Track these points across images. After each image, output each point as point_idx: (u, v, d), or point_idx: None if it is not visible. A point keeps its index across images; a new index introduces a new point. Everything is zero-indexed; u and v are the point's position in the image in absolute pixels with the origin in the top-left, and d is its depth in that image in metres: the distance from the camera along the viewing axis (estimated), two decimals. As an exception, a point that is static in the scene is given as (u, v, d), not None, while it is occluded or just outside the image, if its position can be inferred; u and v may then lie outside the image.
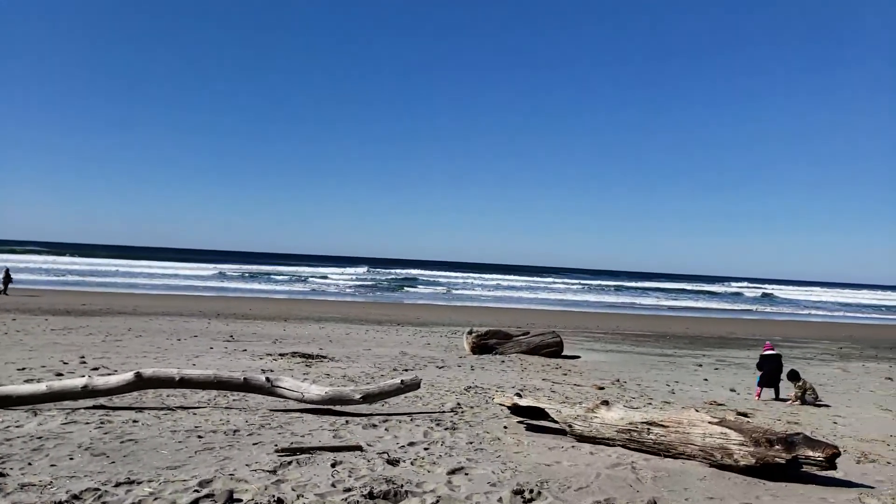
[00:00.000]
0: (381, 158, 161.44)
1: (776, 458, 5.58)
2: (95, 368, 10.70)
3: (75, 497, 4.45)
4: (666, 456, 6.34)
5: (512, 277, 75.01)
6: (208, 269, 62.77)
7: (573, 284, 70.91)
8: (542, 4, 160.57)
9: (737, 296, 70.77)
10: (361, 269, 74.94)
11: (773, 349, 12.24)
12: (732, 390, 12.62)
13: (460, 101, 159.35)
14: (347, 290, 50.15)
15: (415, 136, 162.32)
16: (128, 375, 7.65)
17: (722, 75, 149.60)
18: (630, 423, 6.69)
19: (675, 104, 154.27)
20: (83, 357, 11.94)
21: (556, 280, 76.47)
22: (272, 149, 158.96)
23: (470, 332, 16.79)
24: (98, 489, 4.62)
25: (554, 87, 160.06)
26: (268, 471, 5.28)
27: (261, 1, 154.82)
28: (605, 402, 7.18)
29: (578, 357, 17.07)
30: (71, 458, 5.41)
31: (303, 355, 13.70)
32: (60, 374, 9.84)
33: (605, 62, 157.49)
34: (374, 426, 7.28)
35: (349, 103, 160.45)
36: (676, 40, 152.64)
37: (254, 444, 6.20)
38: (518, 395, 8.45)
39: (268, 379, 8.04)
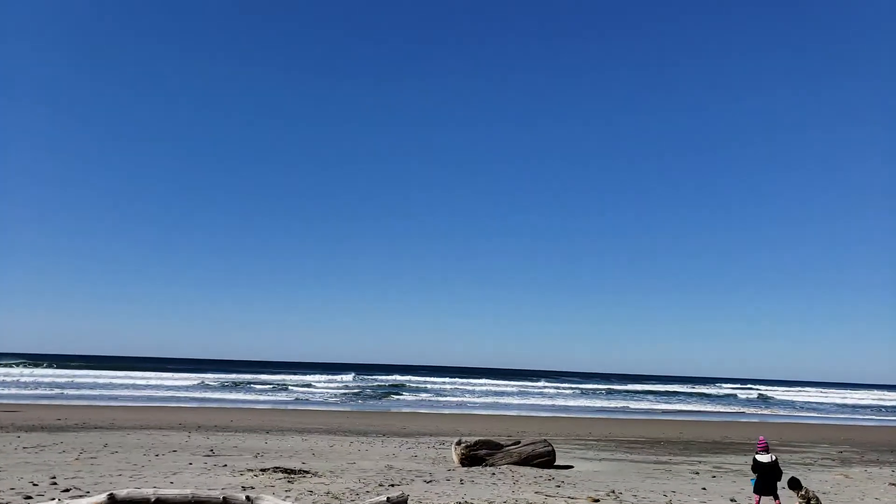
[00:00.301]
0: (367, 257, 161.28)
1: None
2: (66, 490, 10.19)
3: None
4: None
5: (502, 382, 73.67)
6: (190, 378, 61.15)
7: (564, 388, 69.67)
8: (530, 99, 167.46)
9: (731, 397, 69.69)
10: (348, 377, 73.35)
11: (766, 447, 11.55)
12: (732, 500, 12.20)
13: (449, 201, 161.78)
14: (331, 399, 48.84)
15: (402, 238, 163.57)
16: (100, 498, 7.31)
17: (713, 172, 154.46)
18: (626, 540, 6.43)
19: (665, 204, 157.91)
20: (54, 477, 11.39)
21: (547, 384, 75.15)
22: (253, 255, 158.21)
23: (458, 443, 16.29)
24: None
25: (542, 184, 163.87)
26: None
27: (253, 89, 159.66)
28: (600, 517, 6.93)
29: (572, 467, 16.52)
30: None
31: (285, 470, 13.15)
32: (29, 497, 9.36)
33: (596, 157, 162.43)
34: (359, 549, 6.92)
35: (332, 200, 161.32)
36: (665, 138, 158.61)
37: (231, 571, 5.85)
38: (509, 510, 8.14)
39: (248, 497, 7.70)
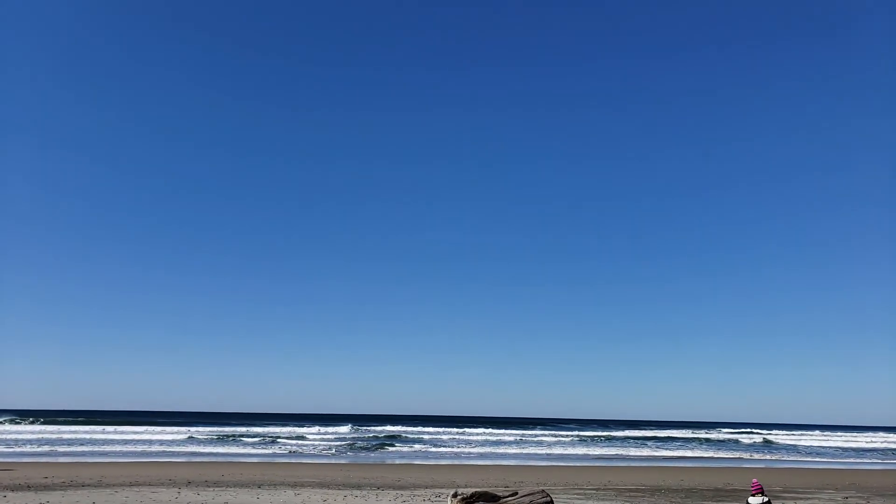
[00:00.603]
0: (364, 304, 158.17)
1: None
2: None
3: None
4: None
5: (499, 431, 72.38)
6: (179, 432, 59.93)
7: (562, 436, 68.48)
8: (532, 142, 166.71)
9: (732, 442, 68.65)
10: (343, 428, 71.98)
11: (761, 490, 11.32)
12: (734, 550, 11.92)
13: (444, 248, 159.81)
14: (325, 452, 47.82)
15: (399, 283, 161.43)
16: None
17: (708, 215, 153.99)
18: None
19: (661, 246, 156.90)
20: (37, 538, 11.06)
21: (545, 432, 73.95)
22: (245, 302, 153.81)
23: (455, 495, 15.93)
24: None
25: (535, 230, 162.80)
26: None
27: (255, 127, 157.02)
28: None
29: (570, 518, 16.15)
30: None
31: (276, 527, 12.82)
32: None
33: (588, 199, 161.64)
34: None
35: (328, 246, 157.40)
36: (662, 179, 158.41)
37: None
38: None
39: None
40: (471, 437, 64.02)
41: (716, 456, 51.23)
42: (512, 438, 63.84)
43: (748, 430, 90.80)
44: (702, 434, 78.56)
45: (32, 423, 69.38)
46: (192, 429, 64.16)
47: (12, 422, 71.29)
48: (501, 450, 52.02)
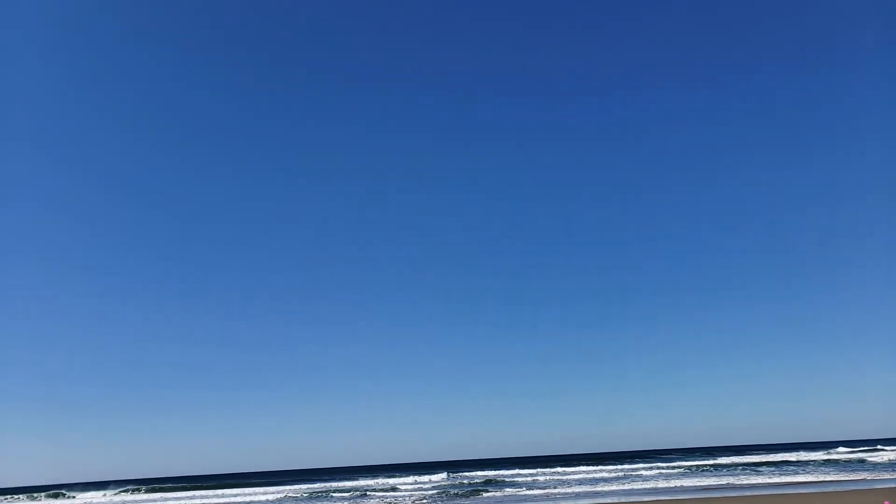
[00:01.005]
0: (453, 346, 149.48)
1: None
2: None
3: None
4: None
5: (596, 468, 69.16)
6: (278, 491, 60.96)
7: (664, 468, 64.49)
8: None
9: (858, 462, 62.49)
10: (439, 476, 70.84)
11: None
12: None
13: (540, 291, 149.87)
14: (417, 502, 47.00)
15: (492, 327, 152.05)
16: None
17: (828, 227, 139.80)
18: None
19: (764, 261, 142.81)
20: None
21: (644, 464, 69.99)
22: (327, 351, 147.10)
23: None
24: None
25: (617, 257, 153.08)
26: None
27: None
28: None
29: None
30: None
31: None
32: None
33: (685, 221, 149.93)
34: None
35: (411, 286, 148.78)
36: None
37: None
38: None
39: None
40: (567, 477, 61.44)
41: (841, 479, 46.55)
42: (610, 475, 60.76)
43: (871, 447, 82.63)
44: (819, 455, 72.11)
45: (136, 491, 72.51)
46: (287, 487, 65.05)
47: (125, 492, 74.85)
48: (599, 487, 49.45)
